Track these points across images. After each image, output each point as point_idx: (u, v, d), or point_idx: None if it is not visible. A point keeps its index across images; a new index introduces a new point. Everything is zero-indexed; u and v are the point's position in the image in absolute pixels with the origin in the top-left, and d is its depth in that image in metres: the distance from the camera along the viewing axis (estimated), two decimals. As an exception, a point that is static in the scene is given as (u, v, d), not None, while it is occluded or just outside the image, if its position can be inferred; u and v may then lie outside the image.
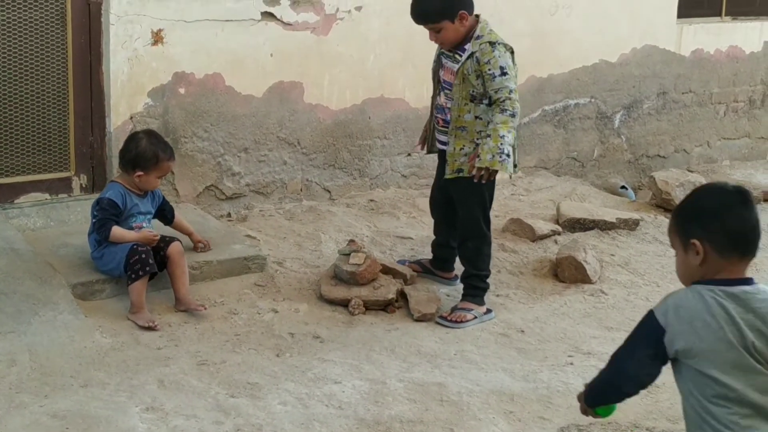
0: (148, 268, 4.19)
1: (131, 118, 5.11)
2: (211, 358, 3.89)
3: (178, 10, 5.18)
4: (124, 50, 5.06)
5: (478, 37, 4.30)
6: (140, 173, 4.35)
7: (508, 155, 4.20)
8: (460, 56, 4.36)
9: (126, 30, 5.04)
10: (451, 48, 4.40)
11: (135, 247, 4.22)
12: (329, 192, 5.96)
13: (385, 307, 4.53)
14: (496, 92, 4.24)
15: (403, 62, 6.09)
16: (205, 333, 4.14)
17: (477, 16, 4.37)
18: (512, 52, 4.33)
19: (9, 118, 4.91)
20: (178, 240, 4.44)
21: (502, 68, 4.24)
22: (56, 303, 4.14)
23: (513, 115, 4.23)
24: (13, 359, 3.71)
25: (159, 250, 4.34)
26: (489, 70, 4.25)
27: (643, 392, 3.72)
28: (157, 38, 5.16)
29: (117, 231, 4.29)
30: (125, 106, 5.13)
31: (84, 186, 5.13)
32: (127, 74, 5.10)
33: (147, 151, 4.36)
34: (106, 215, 4.29)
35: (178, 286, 4.33)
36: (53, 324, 4.00)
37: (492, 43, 4.28)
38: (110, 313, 4.21)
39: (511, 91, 4.22)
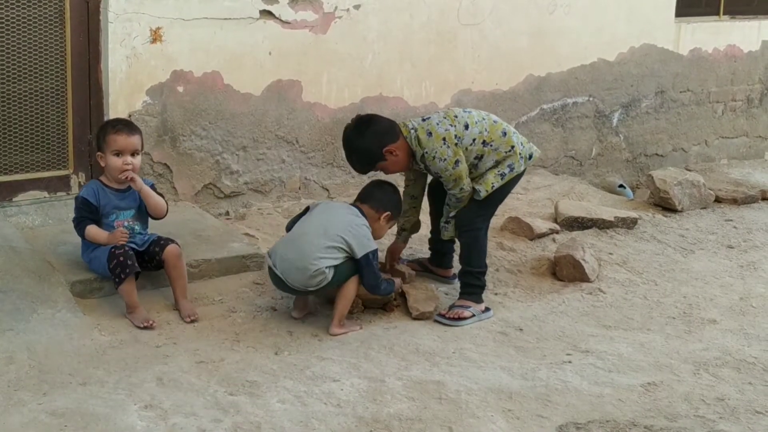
0: (128, 270, 4.13)
1: (130, 116, 5.10)
2: (209, 356, 3.89)
3: (177, 8, 5.18)
4: (122, 48, 5.06)
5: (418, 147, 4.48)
6: (100, 154, 4.31)
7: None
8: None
9: (124, 28, 5.04)
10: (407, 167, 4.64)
11: (112, 250, 4.17)
12: (327, 190, 5.97)
13: (383, 305, 4.53)
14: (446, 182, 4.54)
15: (401, 61, 6.09)
16: (203, 331, 4.15)
17: (399, 129, 4.52)
18: (444, 140, 4.46)
19: (7, 116, 4.91)
20: (175, 243, 4.34)
21: (443, 159, 4.45)
22: (55, 301, 4.14)
23: (458, 201, 4.55)
24: (12, 357, 3.71)
25: (154, 255, 4.29)
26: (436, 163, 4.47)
27: (641, 390, 3.76)
28: (156, 36, 5.16)
29: (91, 231, 4.25)
30: (124, 104, 5.12)
31: (82, 184, 5.12)
32: (125, 72, 5.10)
33: (99, 130, 4.36)
34: (81, 214, 4.28)
35: (175, 290, 4.31)
36: (52, 322, 4.00)
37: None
38: (109, 311, 4.21)
39: (455, 180, 4.47)
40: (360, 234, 4.25)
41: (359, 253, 4.19)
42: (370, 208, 4.41)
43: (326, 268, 4.15)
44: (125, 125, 4.35)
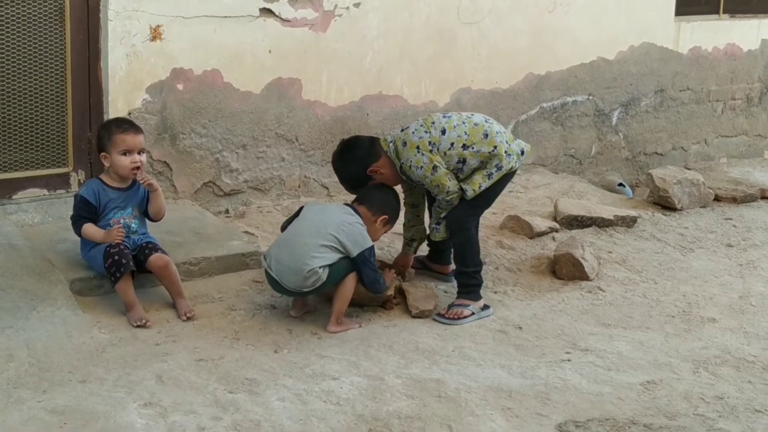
0: (123, 269, 4.13)
1: (129, 114, 5.10)
2: (209, 354, 3.89)
3: (177, 6, 5.18)
4: (122, 46, 5.06)
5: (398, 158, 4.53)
6: (104, 154, 4.30)
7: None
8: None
9: (124, 26, 5.04)
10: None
11: (107, 249, 4.18)
12: (327, 188, 5.97)
13: (383, 303, 4.53)
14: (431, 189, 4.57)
15: (401, 59, 6.09)
16: (203, 329, 4.15)
17: (380, 146, 4.56)
18: (418, 148, 4.48)
19: (7, 114, 4.91)
20: (159, 251, 4.30)
21: (419, 167, 4.46)
22: (54, 299, 4.14)
23: (448, 203, 4.53)
24: (11, 354, 3.71)
25: (139, 264, 4.25)
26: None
27: (640, 389, 3.76)
28: (156, 34, 5.16)
29: (87, 229, 4.25)
30: (123, 102, 5.13)
31: (82, 182, 5.12)
32: (125, 70, 5.10)
33: (101, 130, 4.36)
34: (79, 213, 4.28)
35: (170, 293, 4.32)
36: (51, 320, 4.00)
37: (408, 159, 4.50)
38: (108, 309, 4.21)
39: (437, 186, 4.47)
40: (353, 232, 4.24)
41: (354, 252, 4.19)
42: (367, 210, 4.40)
43: (320, 268, 4.14)
44: (131, 125, 4.36)
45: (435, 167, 4.42)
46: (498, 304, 4.66)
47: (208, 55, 5.36)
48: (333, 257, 4.18)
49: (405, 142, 4.47)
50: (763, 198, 6.74)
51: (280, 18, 5.55)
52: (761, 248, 5.73)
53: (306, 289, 4.18)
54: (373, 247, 4.29)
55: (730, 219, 6.24)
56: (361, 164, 4.52)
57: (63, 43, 4.97)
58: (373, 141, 4.62)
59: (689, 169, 7.19)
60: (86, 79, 5.06)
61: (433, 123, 4.51)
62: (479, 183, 4.48)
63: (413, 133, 4.49)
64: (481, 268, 4.61)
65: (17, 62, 4.88)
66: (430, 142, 4.44)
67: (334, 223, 4.23)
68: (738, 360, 4.12)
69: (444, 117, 4.56)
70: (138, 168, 4.28)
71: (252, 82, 5.55)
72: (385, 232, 4.57)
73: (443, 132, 4.47)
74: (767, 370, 4.03)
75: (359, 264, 4.21)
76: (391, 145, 4.52)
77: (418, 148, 4.44)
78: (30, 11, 4.86)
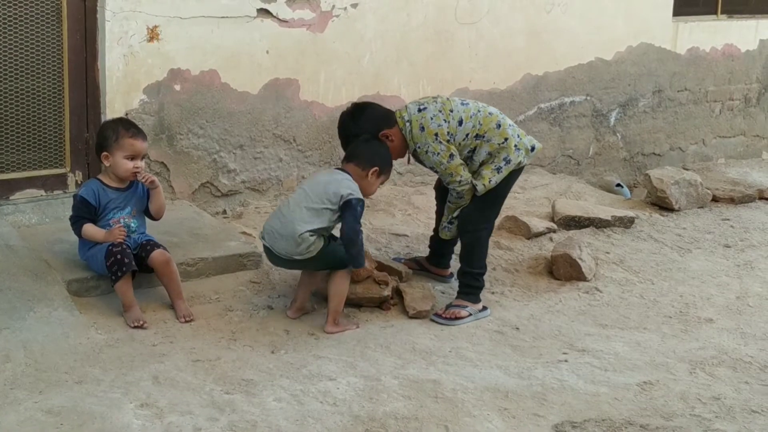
0: (125, 268, 4.12)
1: (126, 114, 5.10)
2: (206, 354, 3.89)
3: (174, 6, 5.18)
4: (119, 46, 5.06)
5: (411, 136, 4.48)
6: (105, 154, 4.28)
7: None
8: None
9: (121, 26, 5.04)
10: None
11: (110, 248, 4.17)
12: (325, 189, 5.96)
13: (380, 304, 4.53)
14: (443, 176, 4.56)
15: (398, 59, 6.09)
16: (200, 330, 4.15)
17: (395, 117, 4.50)
18: (436, 135, 4.44)
19: (4, 115, 4.91)
20: (161, 248, 4.30)
21: (436, 153, 4.44)
22: (51, 299, 4.14)
23: (459, 194, 4.52)
24: (8, 355, 3.71)
25: (139, 261, 4.24)
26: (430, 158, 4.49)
27: (637, 389, 3.76)
28: (153, 35, 5.15)
29: (87, 229, 4.24)
30: (120, 102, 5.12)
31: (79, 182, 5.12)
32: (122, 71, 5.10)
33: (107, 129, 4.33)
34: (78, 213, 4.27)
35: (169, 293, 4.31)
36: (48, 320, 4.00)
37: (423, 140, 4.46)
38: (105, 310, 4.21)
39: (451, 174, 4.46)
40: (341, 184, 4.21)
41: (343, 194, 4.15)
42: (356, 165, 4.33)
43: (310, 234, 4.13)
44: (138, 130, 4.35)
45: (451, 155, 4.42)
46: (495, 305, 4.66)
47: (205, 56, 5.36)
48: (322, 221, 4.17)
49: (423, 127, 4.42)
50: (761, 198, 6.75)
51: (278, 18, 5.55)
52: (759, 249, 5.73)
53: (298, 257, 4.17)
54: (363, 201, 4.25)
55: (728, 219, 6.24)
56: (375, 126, 4.44)
57: (60, 43, 4.97)
58: (389, 110, 4.58)
59: (687, 169, 7.20)
60: (83, 79, 5.06)
61: (452, 111, 4.46)
62: (489, 177, 4.46)
63: (432, 119, 4.42)
64: (485, 271, 4.60)
65: (14, 63, 4.88)
66: (448, 132, 4.42)
67: (322, 184, 4.24)
68: (735, 361, 4.13)
69: (462, 104, 4.53)
70: (138, 172, 4.30)
71: (249, 83, 5.55)
72: (382, 184, 4.50)
73: (460, 123, 4.45)
74: (764, 370, 4.04)
75: (344, 209, 4.17)
76: (407, 124, 4.46)
77: (436, 135, 4.41)
78: (27, 12, 4.85)
